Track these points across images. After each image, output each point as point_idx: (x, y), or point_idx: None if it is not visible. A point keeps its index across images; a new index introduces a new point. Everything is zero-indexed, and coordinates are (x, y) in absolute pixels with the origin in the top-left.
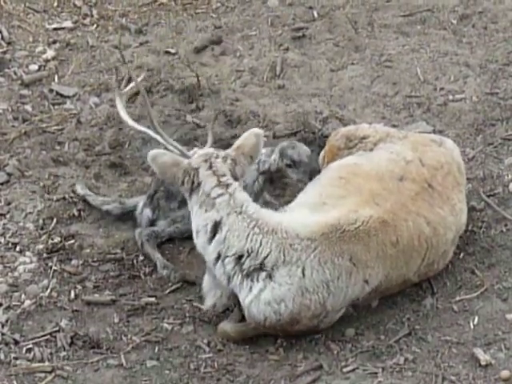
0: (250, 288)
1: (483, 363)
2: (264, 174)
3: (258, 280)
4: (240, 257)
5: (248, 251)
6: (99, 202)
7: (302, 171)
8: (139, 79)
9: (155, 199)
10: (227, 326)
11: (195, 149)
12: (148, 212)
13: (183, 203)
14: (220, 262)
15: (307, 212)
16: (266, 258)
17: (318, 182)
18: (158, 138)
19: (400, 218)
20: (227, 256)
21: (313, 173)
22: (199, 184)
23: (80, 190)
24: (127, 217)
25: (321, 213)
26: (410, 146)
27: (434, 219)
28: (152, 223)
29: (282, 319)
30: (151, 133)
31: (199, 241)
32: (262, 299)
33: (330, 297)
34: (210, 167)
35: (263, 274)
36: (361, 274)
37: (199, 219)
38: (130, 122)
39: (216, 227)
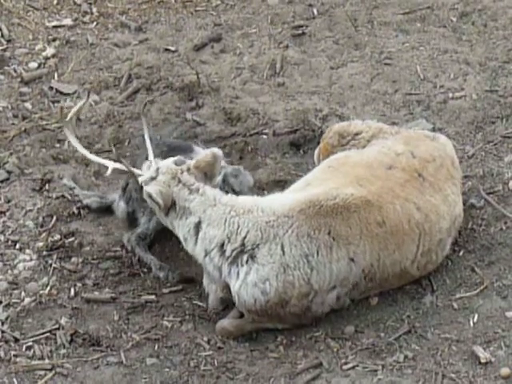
0: (238, 274)
1: (483, 361)
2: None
3: (242, 264)
4: (222, 245)
5: (228, 236)
6: (81, 195)
7: None
8: (83, 102)
9: (127, 191)
10: (225, 323)
11: (146, 163)
12: (122, 204)
13: None
14: (208, 257)
15: (288, 193)
16: (245, 238)
17: (307, 175)
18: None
19: (386, 201)
20: (212, 249)
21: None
22: (174, 202)
23: (66, 181)
24: (106, 211)
25: (303, 192)
26: (402, 140)
27: (424, 206)
28: (129, 215)
29: (270, 299)
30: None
31: (189, 247)
32: (248, 282)
33: (314, 273)
34: (179, 181)
35: (245, 257)
36: (343, 250)
37: (183, 229)
38: (83, 151)
39: (197, 227)
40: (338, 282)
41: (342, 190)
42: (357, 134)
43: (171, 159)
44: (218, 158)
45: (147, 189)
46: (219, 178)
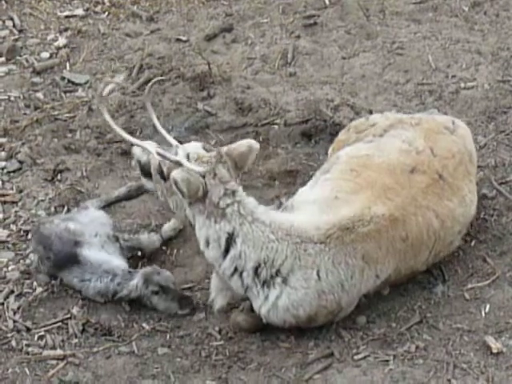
0: (266, 296)
1: (494, 351)
2: (120, 299)
3: (274, 286)
4: (257, 268)
5: (264, 260)
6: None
7: (170, 298)
8: (119, 79)
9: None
10: (240, 318)
11: (174, 145)
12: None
13: None
14: (237, 275)
15: (317, 209)
16: (281, 264)
17: (327, 175)
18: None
19: (410, 213)
20: (244, 270)
21: (182, 300)
22: (205, 193)
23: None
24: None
25: (332, 209)
26: (423, 134)
27: (442, 212)
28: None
29: (300, 321)
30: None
31: (211, 254)
32: (279, 306)
33: (345, 295)
34: (215, 175)
35: (279, 280)
36: (373, 270)
37: (209, 231)
38: (118, 130)
39: (229, 240)
40: (361, 295)
41: (374, 210)
42: (373, 125)
43: (198, 144)
44: (252, 150)
45: (174, 175)
46: (138, 280)
